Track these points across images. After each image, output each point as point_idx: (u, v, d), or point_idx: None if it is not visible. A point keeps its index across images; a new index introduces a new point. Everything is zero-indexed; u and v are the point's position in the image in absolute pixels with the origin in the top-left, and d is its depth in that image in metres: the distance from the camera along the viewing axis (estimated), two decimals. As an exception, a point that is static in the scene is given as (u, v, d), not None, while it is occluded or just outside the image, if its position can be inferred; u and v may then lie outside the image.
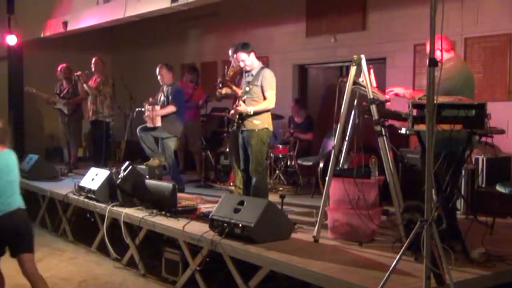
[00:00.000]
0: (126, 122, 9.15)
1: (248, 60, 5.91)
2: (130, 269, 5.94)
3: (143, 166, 7.22)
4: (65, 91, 9.67)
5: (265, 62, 6.49)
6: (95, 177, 6.72)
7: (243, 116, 5.91)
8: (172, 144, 7.51)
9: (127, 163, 6.52)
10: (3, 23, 11.38)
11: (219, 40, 10.60)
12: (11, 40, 11.25)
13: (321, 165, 6.86)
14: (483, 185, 6.01)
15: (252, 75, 5.94)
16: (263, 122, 5.88)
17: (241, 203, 4.88)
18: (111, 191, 6.43)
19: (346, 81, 4.89)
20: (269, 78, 5.87)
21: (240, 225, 4.64)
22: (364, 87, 4.85)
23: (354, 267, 4.02)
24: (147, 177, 6.70)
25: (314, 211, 5.42)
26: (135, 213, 5.88)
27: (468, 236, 4.37)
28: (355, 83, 4.88)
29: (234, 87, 6.46)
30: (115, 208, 6.13)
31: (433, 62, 3.30)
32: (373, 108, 4.77)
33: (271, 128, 5.99)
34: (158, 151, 7.44)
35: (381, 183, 4.90)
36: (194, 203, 6.16)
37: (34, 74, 11.82)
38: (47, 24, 11.49)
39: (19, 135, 12.01)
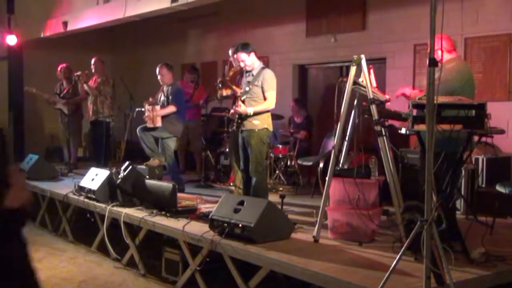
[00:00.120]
0: (126, 122, 9.15)
1: (248, 60, 5.91)
2: (130, 269, 5.94)
3: (143, 166, 7.22)
4: (65, 91, 9.67)
5: (265, 62, 6.50)
6: (95, 177, 6.72)
7: (243, 116, 5.91)
8: (172, 144, 7.52)
9: (127, 163, 6.52)
10: (3, 23, 11.39)
11: (219, 40, 10.61)
12: (11, 40, 11.25)
13: (321, 165, 6.86)
14: (483, 185, 6.01)
15: (252, 75, 5.94)
16: (263, 122, 5.88)
17: (241, 203, 4.87)
18: (111, 191, 6.43)
19: (346, 81, 4.89)
20: (269, 79, 5.87)
21: (240, 225, 4.64)
22: (364, 87, 4.85)
23: (354, 267, 4.02)
24: (147, 177, 6.69)
25: (314, 211, 5.42)
26: (135, 213, 5.87)
27: (468, 236, 4.37)
28: (355, 83, 4.88)
29: (234, 87, 6.46)
30: (115, 208, 6.13)
31: (433, 62, 3.30)
32: (373, 108, 4.77)
33: (270, 128, 5.99)
34: (158, 151, 7.44)
35: (381, 183, 4.90)
36: (194, 203, 6.16)
37: (34, 74, 11.83)
38: (47, 24, 11.50)
39: (19, 135, 12.02)
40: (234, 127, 6.10)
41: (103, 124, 9.16)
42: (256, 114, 5.85)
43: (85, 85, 9.21)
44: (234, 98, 6.37)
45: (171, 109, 7.35)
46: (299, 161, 7.93)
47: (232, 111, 6.16)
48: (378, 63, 7.91)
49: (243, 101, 5.91)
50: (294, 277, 4.15)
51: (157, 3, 8.60)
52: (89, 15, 10.32)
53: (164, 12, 8.92)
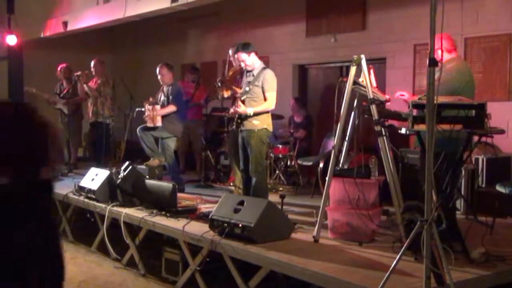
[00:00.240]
0: (126, 122, 9.15)
1: (249, 60, 5.90)
2: (130, 269, 5.94)
3: (143, 166, 7.22)
4: (65, 91, 9.66)
5: (265, 62, 6.50)
6: (95, 177, 6.72)
7: (242, 116, 5.91)
8: (172, 144, 7.52)
9: (127, 163, 6.52)
10: (3, 23, 11.39)
11: (219, 40, 10.60)
12: (11, 40, 11.25)
13: (321, 165, 6.86)
14: (483, 185, 6.01)
15: (253, 75, 5.94)
16: (262, 123, 5.88)
17: (241, 203, 4.87)
18: (111, 191, 6.43)
19: (346, 81, 4.89)
20: (270, 79, 5.87)
21: (240, 225, 4.64)
22: (364, 87, 4.85)
23: (354, 267, 4.02)
24: (147, 177, 6.69)
25: (314, 211, 5.42)
26: (135, 213, 5.87)
27: (468, 236, 4.37)
28: (355, 83, 4.88)
29: (234, 87, 6.46)
30: (115, 208, 6.13)
31: (433, 62, 3.30)
32: (373, 108, 4.77)
33: (270, 128, 5.98)
34: (158, 151, 7.44)
35: (381, 183, 4.89)
36: (194, 203, 6.16)
37: (34, 74, 11.82)
38: (47, 24, 11.50)
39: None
40: (234, 127, 6.09)
41: (103, 125, 9.16)
42: (256, 114, 5.85)
43: (85, 86, 9.20)
44: (234, 98, 6.37)
45: (171, 108, 7.35)
46: (299, 161, 7.93)
47: (231, 110, 6.15)
48: (378, 63, 7.91)
49: (243, 101, 5.91)
50: (294, 277, 4.15)
51: (157, 3, 8.60)
52: (89, 15, 10.32)
53: (164, 12, 8.92)
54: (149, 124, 7.31)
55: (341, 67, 8.85)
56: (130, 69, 12.34)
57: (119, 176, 6.34)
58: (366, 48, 7.56)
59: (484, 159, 6.00)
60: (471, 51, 7.06)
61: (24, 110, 2.80)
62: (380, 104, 4.84)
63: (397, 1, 7.96)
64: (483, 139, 4.36)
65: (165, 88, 7.56)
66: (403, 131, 4.50)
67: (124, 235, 5.93)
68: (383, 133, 4.76)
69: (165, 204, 5.77)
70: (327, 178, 4.86)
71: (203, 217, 5.43)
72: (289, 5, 9.39)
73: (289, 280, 4.44)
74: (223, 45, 9.27)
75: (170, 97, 7.41)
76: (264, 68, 5.97)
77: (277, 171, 8.04)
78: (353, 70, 4.87)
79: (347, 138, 5.22)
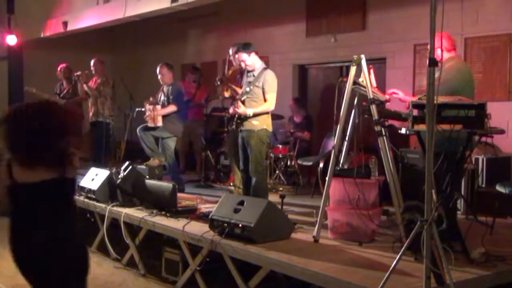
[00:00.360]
0: (126, 122, 9.14)
1: (249, 60, 5.90)
2: (130, 269, 5.94)
3: (143, 166, 7.22)
4: (65, 91, 9.66)
5: (265, 62, 6.50)
6: (95, 177, 6.72)
7: (242, 117, 5.91)
8: (172, 143, 7.52)
9: (127, 163, 6.52)
10: (3, 23, 11.39)
11: (219, 40, 10.60)
12: (11, 40, 11.25)
13: (321, 165, 6.86)
14: (483, 185, 6.01)
15: (254, 75, 5.93)
16: (262, 123, 5.87)
17: (241, 203, 4.88)
18: (111, 191, 6.43)
19: (346, 81, 4.89)
20: (270, 80, 5.86)
21: (240, 225, 4.64)
22: (364, 87, 4.85)
23: (354, 267, 4.02)
24: (147, 177, 6.70)
25: (314, 211, 5.42)
26: (135, 213, 5.88)
27: (468, 236, 4.37)
28: (355, 83, 4.88)
29: (233, 87, 6.46)
30: (115, 208, 6.13)
31: (433, 62, 3.30)
32: (373, 108, 4.77)
33: (270, 128, 5.98)
34: (158, 151, 7.44)
35: (381, 183, 4.89)
36: (194, 203, 6.16)
37: (34, 74, 11.81)
38: (47, 24, 11.50)
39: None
40: (233, 126, 6.09)
41: (103, 124, 9.16)
42: (255, 115, 5.84)
43: (84, 86, 9.20)
44: (233, 98, 6.38)
45: (172, 108, 7.35)
46: (299, 161, 7.93)
47: (231, 111, 6.16)
48: (378, 63, 7.91)
49: (243, 102, 5.91)
50: (294, 277, 4.15)
51: (157, 3, 8.60)
52: (89, 15, 10.32)
53: (164, 12, 8.92)
54: (150, 124, 7.32)
55: (341, 67, 8.85)
56: (130, 69, 12.34)
57: (119, 176, 6.34)
58: (366, 48, 7.56)
59: (484, 159, 6.00)
60: (471, 51, 7.06)
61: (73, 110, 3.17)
62: (380, 104, 4.84)
63: (397, 1, 7.97)
64: (483, 139, 4.36)
65: (165, 88, 7.56)
66: (403, 131, 4.50)
67: (124, 235, 5.93)
68: (383, 133, 4.76)
69: (165, 204, 5.77)
70: (327, 178, 4.86)
71: (203, 217, 5.43)
72: (289, 5, 9.39)
73: (289, 280, 4.44)
74: (223, 45, 9.27)
75: (171, 97, 7.41)
76: (265, 69, 5.97)
77: (277, 171, 8.04)
78: (353, 70, 4.87)
79: (347, 138, 5.22)
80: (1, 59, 12.30)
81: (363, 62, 4.86)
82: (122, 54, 13.36)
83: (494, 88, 6.87)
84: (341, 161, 5.25)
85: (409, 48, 7.69)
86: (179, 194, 6.02)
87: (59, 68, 9.94)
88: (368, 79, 4.84)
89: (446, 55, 4.83)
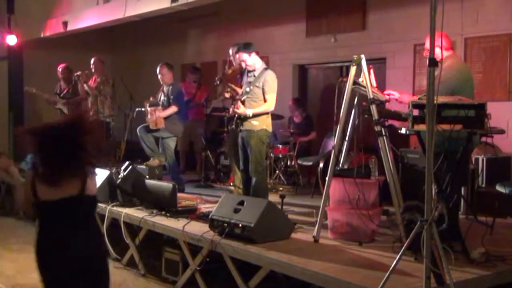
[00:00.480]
0: (126, 122, 9.15)
1: (249, 60, 5.90)
2: (130, 269, 5.94)
3: (143, 166, 7.22)
4: (65, 91, 9.67)
5: (265, 62, 6.50)
6: (95, 177, 6.71)
7: (242, 117, 5.91)
8: (172, 143, 7.52)
9: (127, 163, 6.52)
10: (3, 23, 11.38)
11: (219, 40, 10.60)
12: (11, 40, 11.25)
13: (321, 165, 6.86)
14: (483, 185, 6.01)
15: (254, 75, 5.93)
16: (262, 123, 5.87)
17: (241, 203, 4.88)
18: (111, 191, 6.43)
19: (346, 81, 4.89)
20: (270, 81, 5.86)
21: (240, 225, 4.64)
22: (364, 87, 4.85)
23: (354, 267, 4.02)
24: (147, 177, 6.70)
25: (314, 211, 5.42)
26: (135, 213, 5.88)
27: (468, 236, 4.37)
28: (355, 83, 4.89)
29: (233, 86, 6.46)
30: (115, 208, 6.13)
31: (433, 62, 3.30)
32: (373, 108, 4.77)
33: (269, 129, 5.98)
34: (158, 151, 7.45)
35: (381, 183, 4.90)
36: (194, 203, 6.16)
37: (34, 74, 11.82)
38: (47, 24, 11.49)
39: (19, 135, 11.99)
40: (233, 126, 6.09)
41: (103, 124, 9.15)
42: (255, 115, 5.84)
43: (85, 85, 9.20)
44: (233, 98, 6.38)
45: (173, 109, 7.36)
46: (299, 161, 7.93)
47: (231, 111, 6.16)
48: (378, 63, 7.91)
49: (242, 102, 5.91)
50: (294, 277, 4.16)
51: (157, 3, 8.59)
52: (89, 15, 10.32)
53: (164, 12, 8.92)
54: (152, 127, 7.32)
55: (341, 67, 8.85)
56: (130, 69, 12.34)
57: (119, 176, 6.34)
58: (366, 48, 7.56)
59: (484, 159, 6.00)
60: (471, 51, 7.06)
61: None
62: (380, 104, 4.84)
63: (397, 1, 7.96)
64: (483, 139, 4.36)
65: (165, 88, 7.56)
66: (403, 131, 4.50)
67: (124, 235, 5.93)
68: (383, 133, 4.76)
69: (165, 204, 5.77)
70: (327, 178, 4.86)
71: (203, 217, 5.44)
72: (289, 5, 9.39)
73: (289, 280, 4.44)
74: (223, 45, 9.27)
75: (171, 98, 7.41)
76: (265, 69, 5.97)
77: (277, 171, 8.04)
78: (353, 70, 4.87)
79: (347, 138, 5.22)
80: (1, 59, 12.30)
81: (363, 62, 4.86)
82: (122, 54, 13.36)
83: (494, 88, 6.87)
84: (341, 161, 5.25)
85: (409, 48, 7.68)
86: (179, 194, 6.03)
87: (59, 68, 9.95)
88: (368, 79, 4.85)
89: (444, 54, 4.82)
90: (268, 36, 9.65)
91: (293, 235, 4.92)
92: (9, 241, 7.29)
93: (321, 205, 4.84)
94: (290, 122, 8.68)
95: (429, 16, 3.27)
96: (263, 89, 5.85)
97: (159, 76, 7.55)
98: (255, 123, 5.86)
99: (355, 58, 4.86)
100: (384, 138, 4.77)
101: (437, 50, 4.17)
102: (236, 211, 4.80)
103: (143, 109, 7.59)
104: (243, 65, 6.02)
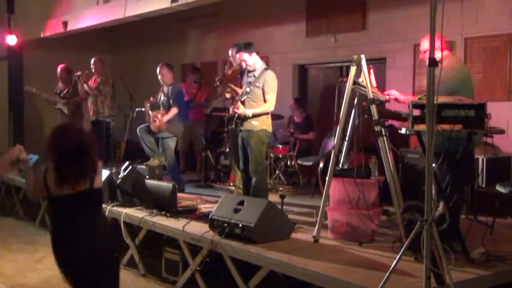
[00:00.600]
0: (126, 122, 9.14)
1: (250, 60, 5.90)
2: (130, 269, 5.94)
3: (143, 166, 7.22)
4: (65, 91, 9.66)
5: (265, 62, 6.51)
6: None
7: (242, 117, 5.91)
8: (172, 143, 7.52)
9: (127, 163, 6.52)
10: (3, 23, 11.39)
11: (219, 40, 10.61)
12: (11, 40, 11.25)
13: (321, 165, 6.86)
14: (483, 185, 6.01)
15: (254, 76, 5.93)
16: (261, 124, 5.87)
17: (241, 203, 4.88)
18: (111, 191, 6.42)
19: (346, 81, 4.89)
20: (271, 81, 5.86)
21: (240, 225, 4.64)
22: (364, 87, 4.85)
23: (354, 267, 4.02)
24: (147, 177, 6.70)
25: (314, 211, 5.42)
26: (135, 213, 5.88)
27: (468, 236, 4.37)
28: (355, 83, 4.89)
29: (233, 87, 6.46)
30: (115, 208, 6.13)
31: (433, 62, 3.30)
32: (373, 108, 4.77)
33: (269, 129, 5.98)
34: (158, 151, 7.45)
35: (381, 183, 4.90)
36: (194, 203, 6.16)
37: (34, 74, 11.82)
38: (47, 24, 11.49)
39: (19, 135, 12.01)
40: (233, 126, 6.09)
41: (103, 124, 9.15)
42: (255, 115, 5.84)
43: (85, 85, 9.19)
44: (233, 98, 6.38)
45: (174, 111, 7.34)
46: (299, 161, 7.93)
47: (231, 111, 6.16)
48: (378, 63, 7.91)
49: (242, 102, 5.91)
50: (294, 277, 4.16)
51: (157, 3, 8.59)
52: (89, 15, 10.31)
53: (164, 12, 8.92)
54: (156, 130, 7.32)
55: (341, 67, 8.85)
56: (130, 69, 12.34)
57: (119, 176, 6.34)
58: (366, 48, 7.56)
59: (484, 159, 6.01)
60: (471, 51, 7.06)
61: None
62: (380, 104, 4.84)
63: (397, 1, 7.97)
64: (483, 139, 4.36)
65: (165, 88, 7.56)
66: (403, 131, 4.50)
67: (124, 235, 5.93)
68: (383, 133, 4.76)
69: (165, 204, 5.77)
70: (327, 178, 4.86)
71: (203, 217, 5.44)
72: (289, 5, 9.40)
73: (289, 280, 4.44)
74: (223, 45, 9.27)
75: (171, 99, 7.40)
76: (265, 69, 5.96)
77: (277, 171, 8.04)
78: (353, 70, 4.87)
79: (347, 138, 5.22)
80: (1, 59, 12.30)
81: (363, 62, 4.86)
82: (122, 54, 13.36)
83: (494, 88, 6.87)
84: (341, 161, 5.25)
85: (409, 48, 7.68)
86: (179, 194, 6.02)
87: (58, 69, 9.94)
88: (368, 79, 4.85)
89: (439, 55, 4.82)
90: (268, 36, 9.65)
91: (293, 235, 4.92)
92: (9, 241, 7.30)
93: (321, 205, 4.84)
94: (290, 121, 8.69)
95: (429, 16, 3.27)
96: (263, 89, 5.85)
97: (159, 76, 7.55)
98: (255, 123, 5.86)
99: (355, 58, 4.86)
100: (384, 138, 4.77)
101: (435, 52, 4.16)
102: (236, 211, 4.80)
103: (143, 109, 7.59)
104: (244, 65, 6.02)
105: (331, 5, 8.67)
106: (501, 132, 4.32)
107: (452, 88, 4.54)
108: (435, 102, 3.32)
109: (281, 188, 7.80)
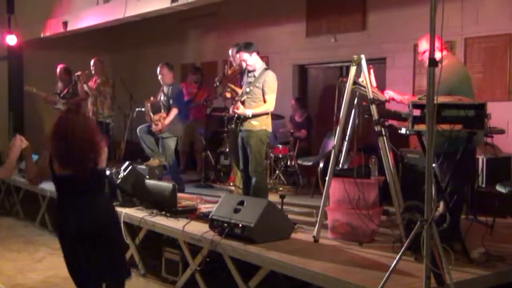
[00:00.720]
0: (126, 122, 9.14)
1: (250, 60, 5.89)
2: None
3: (143, 166, 7.22)
4: (65, 91, 9.66)
5: (265, 62, 6.51)
6: (95, 177, 6.70)
7: (241, 117, 5.90)
8: (172, 143, 7.52)
9: (127, 163, 6.52)
10: (3, 23, 11.39)
11: (219, 40, 10.61)
12: (11, 40, 11.25)
13: (321, 165, 6.86)
14: (483, 185, 6.01)
15: (254, 76, 5.92)
16: (261, 124, 5.87)
17: (241, 203, 4.88)
18: (111, 191, 6.42)
19: (346, 81, 4.89)
20: (270, 81, 5.85)
21: (240, 225, 4.64)
22: (364, 87, 4.85)
23: (354, 267, 4.02)
24: (147, 177, 6.70)
25: (314, 211, 5.42)
26: (135, 213, 5.88)
27: (468, 236, 4.37)
28: (355, 83, 4.89)
29: (233, 87, 6.46)
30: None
31: (433, 62, 3.30)
32: (373, 108, 4.77)
33: (269, 129, 5.97)
34: (158, 151, 7.45)
35: (381, 183, 4.90)
36: (194, 203, 6.16)
37: (34, 74, 11.82)
38: (47, 24, 11.49)
39: (19, 135, 12.01)
40: (233, 126, 6.09)
41: (103, 124, 9.15)
42: (254, 115, 5.84)
43: (85, 85, 9.19)
44: (233, 98, 6.38)
45: (175, 112, 7.34)
46: (299, 161, 7.93)
47: (231, 111, 6.16)
48: (378, 63, 7.90)
49: (242, 102, 5.91)
50: (294, 277, 4.15)
51: (157, 3, 8.60)
52: (89, 15, 10.31)
53: (164, 12, 8.92)
54: (157, 132, 7.32)
55: (341, 67, 8.86)
56: (130, 69, 12.34)
57: (119, 176, 6.34)
58: (366, 48, 7.56)
59: (484, 159, 6.00)
60: (471, 51, 7.06)
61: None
62: (380, 104, 4.84)
63: (397, 1, 7.96)
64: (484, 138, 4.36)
65: (165, 88, 7.56)
66: (403, 131, 4.50)
67: (124, 235, 5.92)
68: (383, 133, 4.76)
69: (165, 204, 5.77)
70: (327, 178, 4.86)
71: (203, 217, 5.44)
72: (289, 5, 9.40)
73: (289, 280, 4.44)
74: (223, 45, 9.27)
75: (171, 99, 7.40)
76: (265, 69, 5.96)
77: (277, 171, 8.04)
78: (353, 70, 4.87)
79: (347, 138, 5.22)
80: (1, 59, 12.30)
81: (363, 62, 4.86)
82: (122, 54, 13.35)
83: (494, 88, 6.87)
84: (341, 161, 5.25)
85: (409, 48, 7.68)
86: (179, 194, 6.03)
87: (58, 69, 9.94)
88: (368, 79, 4.85)
89: (438, 55, 4.83)
90: (268, 36, 9.64)
91: (293, 235, 4.92)
92: (9, 241, 7.30)
93: (321, 205, 4.84)
94: (291, 121, 8.69)
95: (429, 16, 3.27)
96: (263, 89, 5.85)
97: (159, 77, 7.55)
98: (255, 123, 5.85)
99: (355, 58, 4.86)
100: (384, 138, 4.77)
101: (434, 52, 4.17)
102: (236, 211, 4.80)
103: (143, 109, 7.59)
104: (244, 65, 6.02)
105: (331, 5, 8.67)
106: (501, 132, 4.32)
107: (451, 88, 4.54)
108: (435, 102, 3.32)
109: (281, 188, 7.80)
